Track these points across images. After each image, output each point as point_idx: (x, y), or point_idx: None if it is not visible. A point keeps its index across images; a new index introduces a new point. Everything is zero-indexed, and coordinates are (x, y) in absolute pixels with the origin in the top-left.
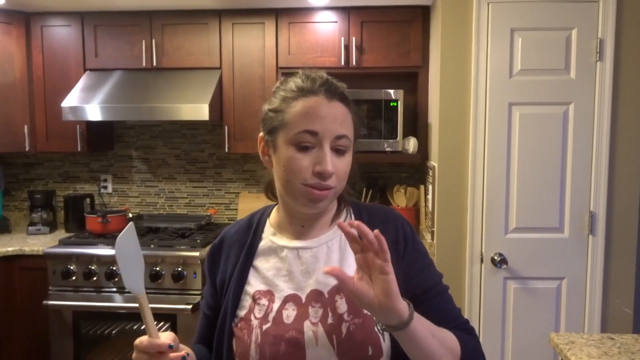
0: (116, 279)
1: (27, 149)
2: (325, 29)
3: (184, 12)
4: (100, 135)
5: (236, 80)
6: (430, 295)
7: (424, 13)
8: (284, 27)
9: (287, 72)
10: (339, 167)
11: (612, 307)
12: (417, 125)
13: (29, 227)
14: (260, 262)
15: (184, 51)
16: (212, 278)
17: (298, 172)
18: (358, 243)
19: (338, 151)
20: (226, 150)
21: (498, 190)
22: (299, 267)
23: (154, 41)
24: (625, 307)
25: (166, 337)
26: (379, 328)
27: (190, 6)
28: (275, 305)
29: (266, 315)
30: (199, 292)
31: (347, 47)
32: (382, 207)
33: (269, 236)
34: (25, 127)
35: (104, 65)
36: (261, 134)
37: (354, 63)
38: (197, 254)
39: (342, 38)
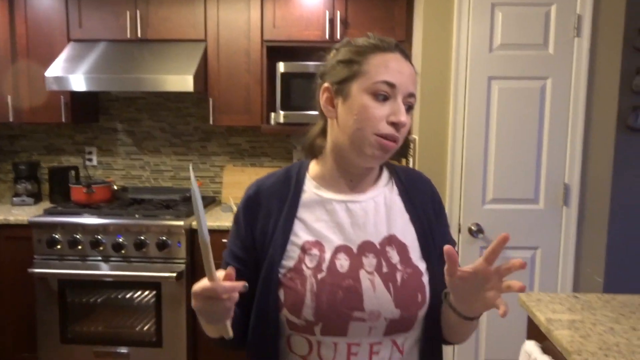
0: (101, 248)
1: (10, 120)
2: (311, 3)
3: None
4: (84, 107)
5: (221, 53)
6: None
7: None
8: (269, 0)
9: (272, 46)
10: (408, 121)
11: (583, 275)
12: None
13: (14, 198)
14: (305, 214)
15: (169, 22)
16: (249, 229)
17: (372, 120)
18: (489, 261)
19: (408, 108)
20: (211, 122)
21: (476, 163)
22: (348, 219)
23: (138, 12)
24: (596, 276)
25: (224, 277)
26: (447, 306)
27: None
28: (327, 255)
29: (319, 264)
30: (183, 261)
31: (332, 21)
32: (414, 170)
33: (312, 189)
34: (9, 97)
35: (89, 36)
36: (326, 84)
37: (338, 37)
38: (181, 223)
39: (327, 12)
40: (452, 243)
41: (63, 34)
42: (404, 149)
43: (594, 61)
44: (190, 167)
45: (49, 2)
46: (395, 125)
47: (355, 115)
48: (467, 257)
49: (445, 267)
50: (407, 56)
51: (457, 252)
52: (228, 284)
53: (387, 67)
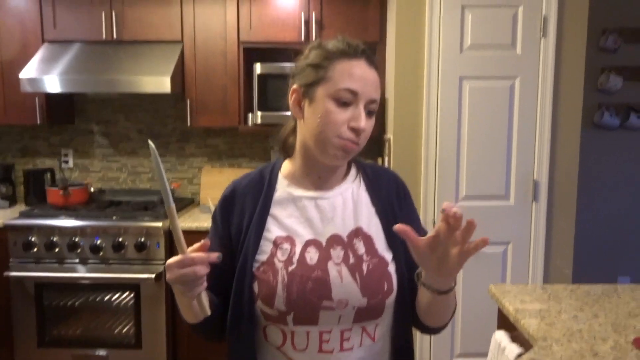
0: (79, 250)
1: None
2: (286, 4)
3: None
4: (60, 108)
5: (198, 54)
6: None
7: None
8: (245, 2)
9: (248, 47)
10: (367, 127)
11: (552, 268)
12: None
13: None
14: (277, 211)
15: (145, 23)
16: (226, 227)
17: (334, 124)
18: (449, 222)
19: (369, 113)
20: (188, 124)
21: (449, 161)
22: (317, 214)
23: (114, 13)
24: (564, 268)
25: (195, 249)
26: (421, 285)
27: None
28: (297, 249)
29: (290, 258)
30: (162, 262)
31: (307, 23)
32: (380, 166)
33: (284, 187)
34: None
35: (63, 36)
36: (295, 85)
37: (314, 38)
38: (159, 224)
39: (302, 13)
40: (421, 232)
41: (37, 35)
42: (379, 148)
43: (559, 61)
44: (150, 142)
45: (22, 3)
46: (355, 130)
47: (319, 118)
48: None
49: (409, 245)
50: (373, 62)
51: None
52: (201, 254)
53: (350, 74)
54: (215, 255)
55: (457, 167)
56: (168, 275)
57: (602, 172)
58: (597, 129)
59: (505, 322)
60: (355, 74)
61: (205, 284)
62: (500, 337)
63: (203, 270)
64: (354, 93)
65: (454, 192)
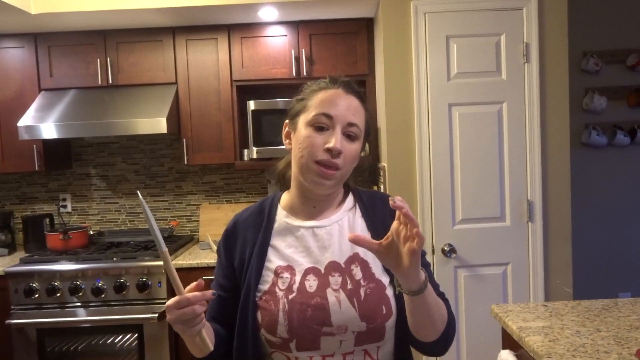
0: (80, 294)
1: None
2: (276, 42)
3: (138, 30)
4: (57, 154)
5: (192, 94)
6: None
7: (368, 24)
8: (237, 42)
9: (241, 85)
10: (347, 150)
11: (553, 287)
12: None
13: None
14: (277, 242)
15: (140, 68)
16: (229, 259)
17: (311, 147)
18: (399, 219)
19: (349, 137)
20: (185, 162)
21: (444, 185)
22: (315, 243)
23: (109, 59)
24: (565, 287)
25: (191, 288)
26: (398, 291)
27: (143, 24)
28: (297, 278)
29: (290, 286)
30: (164, 301)
31: (298, 59)
32: (375, 192)
33: (283, 218)
34: None
35: (60, 84)
36: (286, 120)
37: (304, 74)
38: (161, 263)
39: (293, 50)
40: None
41: (34, 84)
42: (374, 176)
43: (544, 84)
44: (138, 192)
45: (18, 53)
46: (330, 151)
47: (299, 145)
48: (442, 278)
49: (370, 251)
50: (352, 90)
51: (432, 271)
52: (197, 293)
53: (324, 100)
54: (209, 293)
55: (452, 191)
56: (168, 317)
57: (594, 189)
58: (586, 148)
59: (509, 341)
60: (330, 100)
61: (204, 322)
62: (506, 356)
63: (200, 308)
64: (328, 116)
65: (450, 215)
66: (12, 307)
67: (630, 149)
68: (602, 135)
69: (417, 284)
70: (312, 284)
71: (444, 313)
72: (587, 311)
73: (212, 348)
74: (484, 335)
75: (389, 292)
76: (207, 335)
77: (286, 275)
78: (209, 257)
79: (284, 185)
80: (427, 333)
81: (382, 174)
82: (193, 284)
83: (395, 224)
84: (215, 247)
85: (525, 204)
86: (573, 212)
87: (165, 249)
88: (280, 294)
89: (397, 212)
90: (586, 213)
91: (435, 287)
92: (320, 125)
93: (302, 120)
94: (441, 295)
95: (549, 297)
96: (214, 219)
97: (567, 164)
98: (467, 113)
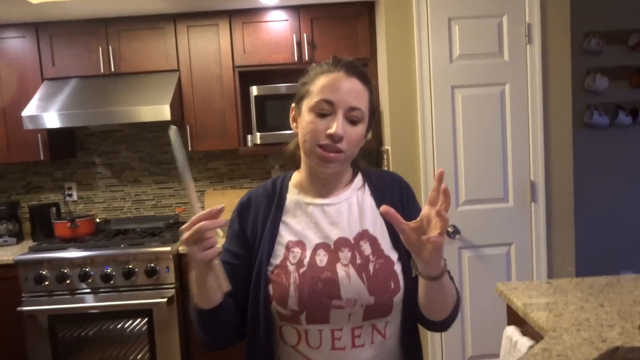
0: (90, 280)
1: None
2: (278, 27)
3: (139, 18)
4: (62, 143)
5: (195, 81)
6: None
7: (370, 8)
8: (238, 28)
9: (243, 71)
10: (350, 134)
11: (556, 266)
12: None
13: None
14: (288, 218)
15: (142, 55)
16: (243, 228)
17: (314, 133)
18: (434, 203)
19: (351, 121)
20: (189, 149)
21: (447, 167)
22: (325, 220)
23: (110, 47)
24: (567, 265)
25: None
26: (415, 274)
27: (144, 11)
28: (308, 253)
29: (301, 261)
30: (172, 286)
31: (300, 44)
32: (385, 171)
33: (294, 196)
34: None
35: (62, 73)
36: (293, 104)
37: (306, 58)
38: (168, 248)
39: (294, 35)
40: None
41: (37, 73)
42: (377, 159)
43: (546, 65)
44: (171, 129)
45: (20, 43)
46: (331, 136)
47: (303, 130)
48: (447, 258)
49: (396, 229)
50: (354, 72)
51: None
52: (206, 210)
53: (325, 86)
54: (218, 207)
55: (455, 173)
56: (182, 240)
57: (596, 170)
58: (588, 129)
59: (514, 318)
60: (331, 85)
61: (218, 249)
62: (512, 332)
63: (209, 224)
64: (329, 103)
65: (454, 197)
66: (23, 294)
67: (632, 129)
68: (603, 116)
69: (438, 270)
70: (322, 259)
71: (455, 294)
72: (590, 287)
73: (228, 286)
74: (488, 314)
75: (397, 268)
76: (223, 273)
77: (297, 250)
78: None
79: (294, 165)
80: (438, 313)
81: (385, 157)
82: (206, 210)
83: (426, 209)
84: (221, 233)
85: (528, 184)
86: (575, 192)
87: (188, 171)
88: (291, 268)
89: (434, 192)
90: (588, 193)
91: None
92: (322, 112)
93: (306, 105)
94: (448, 274)
95: (551, 276)
96: (220, 204)
97: (569, 144)
98: (470, 95)
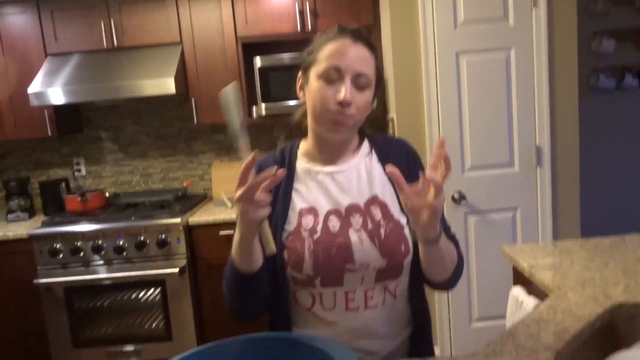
0: (103, 252)
1: None
2: None
3: None
4: (68, 119)
5: (198, 53)
6: None
7: None
8: None
9: (246, 42)
10: (358, 99)
11: (561, 230)
12: None
13: (8, 215)
14: (299, 186)
15: (144, 29)
16: None
17: (322, 100)
18: (435, 167)
19: (359, 87)
20: (195, 122)
21: (453, 134)
22: (335, 187)
23: (112, 21)
24: (573, 230)
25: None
26: (413, 238)
27: None
28: (320, 219)
29: (314, 227)
30: (184, 256)
31: (302, 13)
32: (391, 136)
33: (303, 164)
34: None
35: (65, 49)
36: (299, 73)
37: (309, 28)
38: (178, 220)
39: (297, 4)
40: None
41: (40, 49)
42: (382, 128)
43: (552, 28)
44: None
45: (22, 19)
46: (341, 103)
47: (311, 98)
48: (453, 224)
49: (397, 189)
50: (360, 39)
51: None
52: (244, 165)
53: (332, 53)
54: (252, 155)
55: (460, 139)
56: (236, 199)
57: (601, 133)
58: (594, 92)
59: (520, 278)
60: (338, 51)
61: (268, 209)
62: (517, 292)
63: (263, 180)
64: (337, 69)
65: (460, 163)
66: (39, 267)
67: (638, 93)
68: (610, 79)
69: (434, 235)
70: (334, 224)
71: (454, 257)
72: (595, 248)
73: (274, 248)
74: (494, 277)
75: (407, 231)
76: (270, 235)
77: (310, 217)
78: (224, 214)
79: (301, 134)
80: (438, 275)
81: (391, 125)
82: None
83: (430, 171)
84: (230, 204)
85: (533, 149)
86: (581, 157)
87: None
88: (305, 234)
89: (434, 158)
90: (594, 157)
91: (447, 229)
92: (330, 78)
93: (313, 73)
94: (452, 237)
95: (557, 239)
96: (227, 177)
97: (575, 108)
98: (475, 61)
